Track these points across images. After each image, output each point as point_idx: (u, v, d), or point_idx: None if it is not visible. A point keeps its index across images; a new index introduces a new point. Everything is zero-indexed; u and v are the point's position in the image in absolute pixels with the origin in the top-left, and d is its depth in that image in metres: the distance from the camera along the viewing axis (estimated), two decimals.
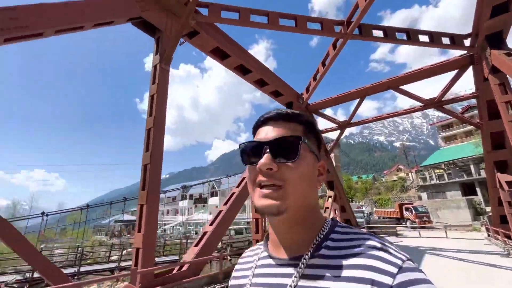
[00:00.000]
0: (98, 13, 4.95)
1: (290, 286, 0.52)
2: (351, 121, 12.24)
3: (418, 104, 10.70)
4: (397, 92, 10.31)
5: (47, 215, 15.45)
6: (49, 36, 4.40)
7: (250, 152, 0.61)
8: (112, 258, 16.74)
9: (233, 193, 7.47)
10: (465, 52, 8.93)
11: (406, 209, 24.68)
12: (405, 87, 10.50)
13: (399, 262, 0.46)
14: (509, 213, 9.07)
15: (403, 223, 24.28)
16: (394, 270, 0.45)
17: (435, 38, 8.27)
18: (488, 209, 22.74)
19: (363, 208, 36.44)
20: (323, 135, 13.39)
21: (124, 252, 15.31)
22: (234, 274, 0.71)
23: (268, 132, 0.60)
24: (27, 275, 10.69)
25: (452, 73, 9.58)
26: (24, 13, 3.95)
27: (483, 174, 26.82)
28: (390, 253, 0.48)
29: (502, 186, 9.14)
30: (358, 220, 17.97)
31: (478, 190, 27.06)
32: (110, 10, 5.17)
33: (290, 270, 0.55)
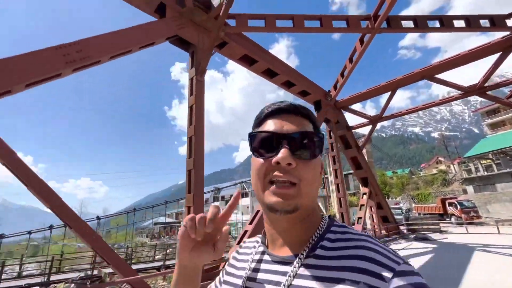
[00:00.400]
0: (143, 37, 5.55)
1: (284, 285, 0.52)
2: (383, 115, 11.89)
3: (457, 91, 10.10)
4: (432, 81, 9.83)
5: (100, 219, 17.15)
6: (105, 62, 5.07)
7: (263, 143, 0.58)
8: (156, 257, 18.02)
9: None
10: (508, 33, 8.28)
11: (450, 204, 23.09)
12: (441, 75, 9.98)
13: (394, 265, 0.46)
14: None
15: (447, 219, 22.72)
16: (389, 274, 0.44)
17: (472, 22, 7.79)
18: None
19: (401, 205, 34.67)
20: (354, 131, 13.15)
21: (168, 251, 16.38)
22: (231, 261, 0.71)
23: (283, 125, 0.57)
24: (88, 272, 11.99)
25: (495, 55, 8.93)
26: (85, 45, 4.61)
27: None
28: (386, 256, 0.48)
29: None
30: (396, 217, 17.26)
31: None
32: (152, 33, 5.76)
33: (285, 268, 0.55)
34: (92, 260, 12.46)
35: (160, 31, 5.95)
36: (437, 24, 7.81)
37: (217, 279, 0.73)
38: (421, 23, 7.74)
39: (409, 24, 7.81)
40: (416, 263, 7.38)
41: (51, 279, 11.44)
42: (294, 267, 0.53)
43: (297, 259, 0.54)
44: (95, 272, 12.14)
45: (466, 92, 9.70)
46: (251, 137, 0.60)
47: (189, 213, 5.53)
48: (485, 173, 29.59)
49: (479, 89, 9.38)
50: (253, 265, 0.62)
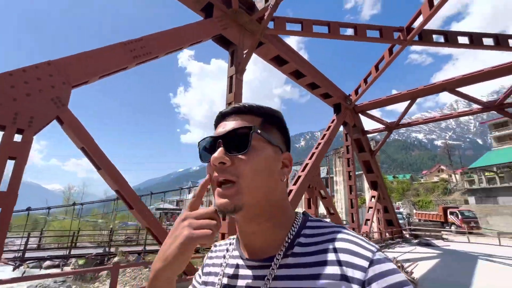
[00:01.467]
0: (193, 35, 5.90)
1: None
2: (400, 123, 12.21)
3: (472, 104, 10.41)
4: (453, 94, 10.12)
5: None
6: (161, 57, 5.44)
7: (207, 148, 0.60)
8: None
9: (290, 191, 8.23)
10: None
11: (451, 213, 23.57)
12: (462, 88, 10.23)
13: (369, 254, 0.47)
14: None
15: (447, 227, 23.24)
16: (365, 264, 0.46)
17: (501, 41, 8.03)
18: None
19: (401, 209, 35.21)
20: (369, 135, 13.49)
21: None
22: (207, 261, 0.69)
23: (225, 126, 0.58)
24: (106, 249, 12.62)
25: None
26: (148, 41, 4.99)
27: None
28: (361, 246, 0.49)
29: None
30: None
31: None
32: (201, 32, 6.10)
33: (262, 272, 0.54)
34: (108, 238, 13.05)
35: (207, 30, 6.30)
36: (467, 41, 8.06)
37: (194, 281, 0.70)
38: (451, 39, 8.00)
39: (440, 38, 8.07)
40: (422, 267, 7.83)
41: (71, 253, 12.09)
42: (272, 269, 0.52)
43: (275, 259, 0.52)
44: (111, 249, 12.76)
45: (486, 107, 10.00)
46: (198, 146, 0.62)
47: None
48: (488, 185, 29.95)
49: (499, 105, 9.68)
50: (227, 270, 0.60)
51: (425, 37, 7.93)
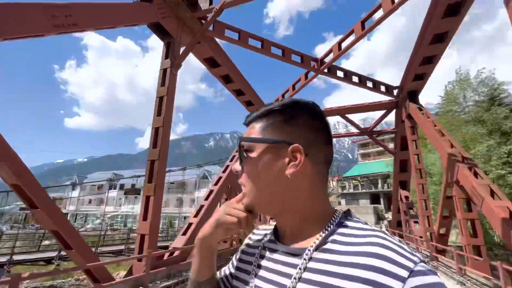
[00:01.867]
0: (129, 17, 5.30)
1: (295, 278, 0.51)
2: None
3: (351, 129, 13.66)
4: (343, 118, 12.90)
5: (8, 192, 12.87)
6: (88, 32, 4.64)
7: None
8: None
9: (212, 190, 8.41)
10: (391, 98, 12.01)
11: None
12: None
13: (411, 264, 0.43)
14: (404, 219, 12.57)
15: None
16: (405, 274, 0.42)
17: (376, 85, 10.98)
18: (387, 215, 29.05)
19: None
20: None
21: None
22: (247, 241, 0.73)
23: None
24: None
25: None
26: (75, 11, 4.17)
27: (386, 187, 33.91)
28: (402, 255, 0.44)
29: (402, 199, 12.59)
30: None
31: (381, 200, 33.96)
32: (139, 15, 5.56)
33: (295, 260, 0.54)
34: None
35: (145, 15, 5.84)
36: (357, 80, 10.57)
37: (230, 263, 0.73)
38: (348, 76, 10.31)
39: (341, 74, 10.25)
40: None
41: None
42: (304, 259, 0.52)
43: (306, 251, 0.52)
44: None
45: (362, 131, 13.26)
46: None
47: (147, 203, 5.60)
48: (353, 191, 38.92)
49: (370, 132, 13.03)
50: (263, 252, 0.63)
51: (332, 70, 9.90)
